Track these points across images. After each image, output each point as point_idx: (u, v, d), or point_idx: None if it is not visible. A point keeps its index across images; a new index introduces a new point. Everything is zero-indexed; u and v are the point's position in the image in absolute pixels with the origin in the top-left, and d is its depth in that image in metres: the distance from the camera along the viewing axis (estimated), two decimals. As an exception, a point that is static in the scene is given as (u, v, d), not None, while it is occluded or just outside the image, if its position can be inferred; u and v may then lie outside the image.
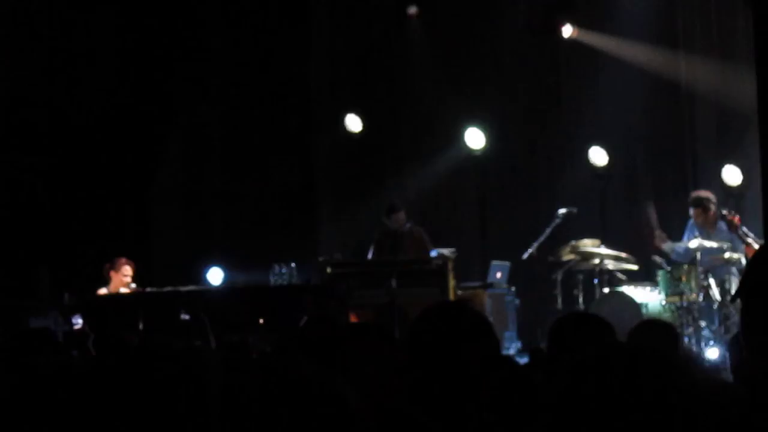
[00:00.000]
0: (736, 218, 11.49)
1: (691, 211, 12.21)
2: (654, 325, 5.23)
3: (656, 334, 5.01)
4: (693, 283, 11.75)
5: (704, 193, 12.42)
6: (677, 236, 12.40)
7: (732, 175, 12.89)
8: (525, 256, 13.21)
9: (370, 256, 13.29)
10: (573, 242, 12.80)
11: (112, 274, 12.42)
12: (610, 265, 12.57)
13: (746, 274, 2.70)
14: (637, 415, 2.00)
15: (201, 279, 13.66)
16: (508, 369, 3.92)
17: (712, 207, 12.04)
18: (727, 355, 4.86)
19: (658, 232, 12.24)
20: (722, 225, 11.83)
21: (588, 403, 2.02)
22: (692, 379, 2.02)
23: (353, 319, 12.34)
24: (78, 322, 11.54)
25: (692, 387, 1.99)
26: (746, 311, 2.64)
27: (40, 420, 2.68)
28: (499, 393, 3.47)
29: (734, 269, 11.83)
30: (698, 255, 11.86)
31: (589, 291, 12.65)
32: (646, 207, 12.62)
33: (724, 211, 11.71)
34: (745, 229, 11.45)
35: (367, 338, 3.57)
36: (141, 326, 11.65)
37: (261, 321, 11.74)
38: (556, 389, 2.06)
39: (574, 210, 13.29)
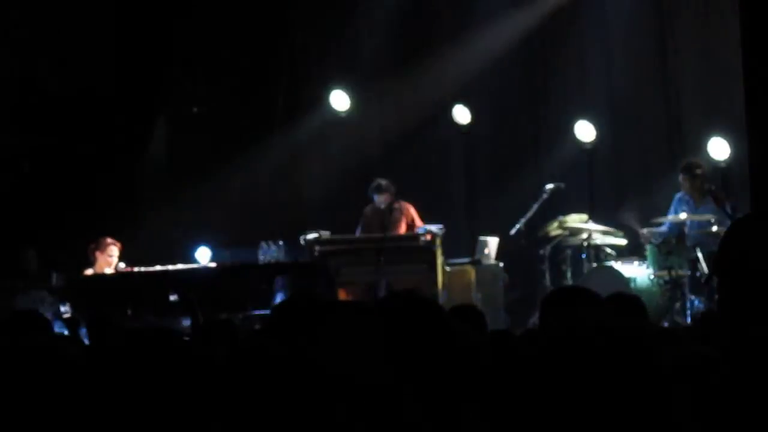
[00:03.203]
0: (721, 194, 11.50)
1: (680, 177, 12.19)
2: (621, 299, 5.25)
3: (624, 307, 5.03)
4: (681, 257, 11.75)
5: (692, 160, 12.41)
6: (663, 211, 12.37)
7: (719, 148, 12.85)
8: (513, 231, 13.21)
9: (358, 233, 13.29)
10: (561, 217, 12.79)
11: (98, 254, 12.37)
12: (597, 240, 12.56)
13: (720, 250, 2.71)
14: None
15: (189, 258, 13.64)
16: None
17: (700, 173, 12.02)
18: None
19: (642, 232, 12.24)
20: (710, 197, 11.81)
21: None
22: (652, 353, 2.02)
23: (342, 296, 12.35)
24: (67, 310, 11.44)
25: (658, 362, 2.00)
26: (721, 286, 2.66)
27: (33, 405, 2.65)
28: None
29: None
30: (686, 229, 11.86)
31: (577, 266, 12.66)
32: (623, 220, 12.58)
33: (713, 187, 11.71)
34: (728, 207, 11.42)
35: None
36: (130, 306, 11.64)
37: (249, 300, 11.74)
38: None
39: (562, 185, 13.28)
